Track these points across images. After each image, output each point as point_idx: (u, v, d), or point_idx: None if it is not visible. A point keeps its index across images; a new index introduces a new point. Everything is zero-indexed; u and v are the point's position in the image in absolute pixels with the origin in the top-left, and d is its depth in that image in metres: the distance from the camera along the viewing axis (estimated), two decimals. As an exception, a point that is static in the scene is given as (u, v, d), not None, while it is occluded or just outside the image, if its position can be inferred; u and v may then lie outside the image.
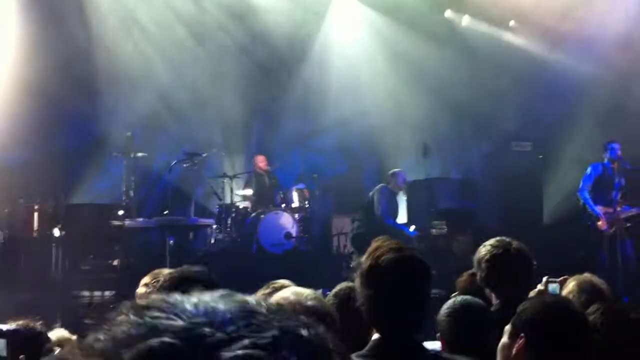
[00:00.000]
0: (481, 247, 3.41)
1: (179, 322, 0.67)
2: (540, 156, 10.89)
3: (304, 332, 0.71)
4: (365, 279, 2.22)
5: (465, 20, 12.06)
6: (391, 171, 9.72)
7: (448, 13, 12.16)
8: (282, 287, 2.68)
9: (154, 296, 0.72)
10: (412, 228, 9.66)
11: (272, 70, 12.23)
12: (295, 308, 2.10)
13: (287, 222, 10.26)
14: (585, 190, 8.73)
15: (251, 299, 0.73)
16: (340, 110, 12.90)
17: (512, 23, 11.70)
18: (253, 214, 10.33)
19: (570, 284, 3.39)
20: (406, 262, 2.20)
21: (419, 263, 2.25)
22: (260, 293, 2.80)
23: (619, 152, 8.54)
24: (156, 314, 0.68)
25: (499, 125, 11.35)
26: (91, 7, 10.96)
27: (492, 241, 3.38)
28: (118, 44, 11.08)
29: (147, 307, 0.69)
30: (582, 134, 10.27)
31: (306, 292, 2.27)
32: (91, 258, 9.67)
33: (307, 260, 10.07)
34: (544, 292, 3.65)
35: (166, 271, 3.24)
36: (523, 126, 11.14)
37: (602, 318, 2.51)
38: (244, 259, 9.80)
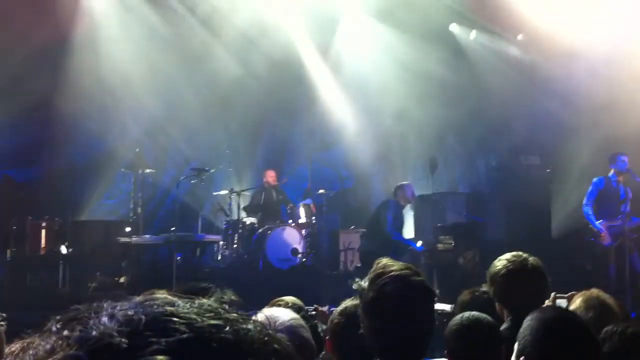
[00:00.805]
0: (496, 261, 3.31)
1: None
2: (549, 170, 10.85)
3: (225, 335, 0.71)
4: (369, 309, 2.17)
5: (472, 34, 12.09)
6: (399, 184, 9.66)
7: (453, 27, 12.18)
8: (287, 304, 2.67)
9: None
10: (419, 243, 9.61)
11: (280, 84, 12.25)
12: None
13: (294, 237, 10.24)
14: (589, 205, 8.68)
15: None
16: (347, 124, 12.92)
17: (520, 37, 11.70)
18: (260, 230, 10.32)
19: (577, 300, 3.34)
20: (411, 290, 2.14)
21: (423, 289, 2.19)
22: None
23: (628, 164, 8.48)
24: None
25: (506, 138, 11.33)
26: (100, 24, 11.06)
27: (508, 255, 3.29)
28: (126, 59, 11.13)
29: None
30: (590, 147, 10.23)
31: (281, 319, 2.20)
32: (98, 275, 9.68)
33: (314, 276, 10.03)
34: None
35: (161, 291, 3.21)
36: (531, 139, 11.11)
37: (618, 342, 2.48)
38: (251, 275, 9.78)
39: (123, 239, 9.85)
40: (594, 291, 3.37)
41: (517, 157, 11.07)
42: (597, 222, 8.56)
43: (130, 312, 0.71)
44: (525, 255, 3.28)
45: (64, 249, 9.52)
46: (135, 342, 0.67)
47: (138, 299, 0.76)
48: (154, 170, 10.78)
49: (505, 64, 11.72)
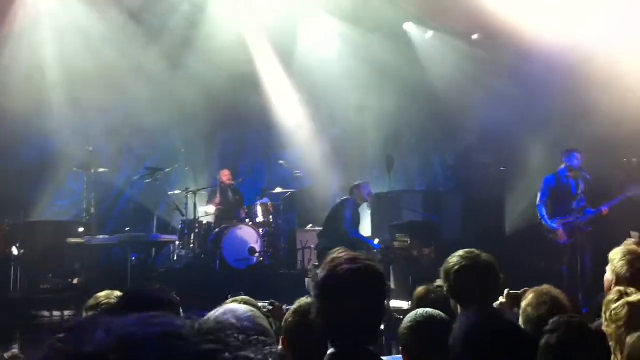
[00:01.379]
0: (450, 257, 3.38)
1: (88, 348, 0.66)
2: (503, 168, 11.02)
3: (226, 355, 0.69)
4: (321, 290, 2.21)
5: (428, 34, 12.19)
6: (356, 182, 9.70)
7: (408, 25, 12.27)
8: (240, 302, 2.66)
9: (78, 320, 0.72)
10: (376, 241, 9.67)
11: (236, 84, 12.17)
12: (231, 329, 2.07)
13: (251, 237, 10.20)
14: (542, 206, 8.79)
15: (179, 321, 0.72)
16: (304, 123, 12.93)
17: (475, 36, 11.85)
18: (216, 230, 10.25)
19: (530, 296, 3.42)
20: (361, 272, 2.19)
21: (374, 272, 2.24)
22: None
23: (580, 161, 8.61)
24: (73, 339, 0.68)
25: (461, 137, 11.48)
26: (50, 23, 10.82)
27: (461, 252, 3.37)
28: (77, 58, 10.91)
29: (71, 330, 0.69)
30: (543, 145, 10.42)
31: (240, 310, 2.22)
32: (51, 277, 9.48)
33: (271, 275, 10.01)
34: (506, 304, 3.68)
35: (103, 294, 3.17)
36: (485, 138, 11.27)
37: (566, 332, 2.54)
38: (207, 275, 9.70)
39: (76, 240, 9.66)
40: (546, 287, 3.44)
41: (472, 156, 11.22)
42: (551, 221, 8.68)
43: (130, 329, 0.69)
44: (478, 252, 3.34)
45: (15, 251, 9.30)
46: None
47: (138, 315, 0.73)
48: (107, 170, 10.60)
49: (460, 63, 11.86)
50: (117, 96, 11.60)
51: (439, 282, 3.70)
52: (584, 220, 8.52)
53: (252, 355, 0.73)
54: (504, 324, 2.68)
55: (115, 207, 11.80)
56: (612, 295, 3.23)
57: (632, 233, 5.29)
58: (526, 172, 10.60)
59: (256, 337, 0.83)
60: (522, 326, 3.30)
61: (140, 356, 0.65)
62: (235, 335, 0.74)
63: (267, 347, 0.76)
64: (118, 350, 0.65)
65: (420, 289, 3.87)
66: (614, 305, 3.09)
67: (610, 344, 3.01)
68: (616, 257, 3.95)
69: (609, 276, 3.97)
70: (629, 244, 4.83)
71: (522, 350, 2.31)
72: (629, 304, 3.07)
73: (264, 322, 2.27)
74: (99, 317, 0.72)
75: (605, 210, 8.43)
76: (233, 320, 2.04)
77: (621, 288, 3.29)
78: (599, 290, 4.40)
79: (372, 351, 2.23)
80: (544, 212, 8.75)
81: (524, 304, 3.38)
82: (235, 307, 2.26)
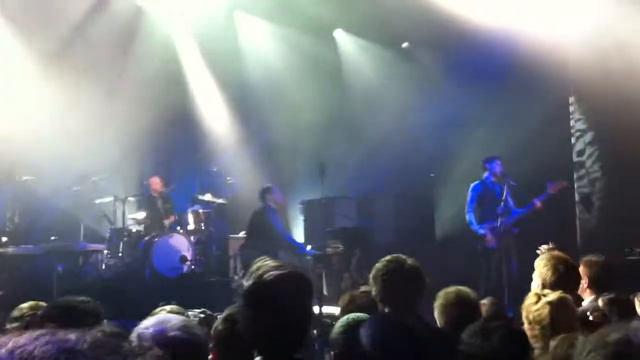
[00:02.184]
0: (377, 263, 3.53)
1: None
2: (432, 174, 11.24)
3: None
4: (248, 298, 2.20)
5: (354, 42, 12.30)
6: (265, 186, 9.75)
7: (337, 32, 12.38)
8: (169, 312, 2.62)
9: None
10: (308, 247, 9.70)
11: (167, 90, 12.01)
12: (157, 339, 2.05)
13: (182, 245, 10.06)
14: (471, 212, 9.03)
15: (73, 335, 0.73)
16: (236, 130, 12.87)
17: (405, 45, 12.05)
18: (146, 238, 10.06)
19: (448, 295, 3.58)
20: (288, 278, 2.19)
21: (300, 278, 2.25)
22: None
23: (501, 168, 8.89)
24: None
25: (392, 143, 11.64)
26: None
27: (387, 258, 3.52)
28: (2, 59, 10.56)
29: None
30: (472, 151, 10.67)
31: (173, 320, 2.20)
32: (-28, 288, 9.10)
33: (203, 283, 9.90)
34: None
35: (27, 305, 3.09)
36: (416, 144, 11.46)
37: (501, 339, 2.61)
38: (137, 284, 9.50)
39: (-1, 250, 9.32)
40: (458, 288, 3.61)
41: (402, 162, 11.41)
42: (479, 227, 8.91)
43: (28, 348, 0.69)
44: (403, 257, 3.50)
45: None
46: None
47: (34, 333, 0.72)
48: (32, 178, 10.27)
49: (389, 71, 12.05)
50: (41, 100, 11.25)
51: (363, 288, 3.80)
52: (510, 222, 8.77)
53: None
54: (421, 327, 2.74)
55: (42, 216, 11.42)
56: (530, 299, 3.37)
57: (543, 247, 5.54)
58: (455, 178, 10.85)
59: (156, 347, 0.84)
60: (441, 326, 3.43)
61: None
62: (135, 344, 0.74)
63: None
64: None
65: (345, 296, 3.96)
66: (534, 307, 3.22)
67: (537, 345, 3.12)
68: (541, 263, 4.12)
69: (535, 283, 4.13)
70: (544, 251, 5.06)
71: (434, 352, 2.39)
72: (550, 303, 3.21)
73: (199, 331, 2.26)
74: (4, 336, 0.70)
75: (538, 203, 8.68)
76: (143, 331, 2.02)
77: (538, 291, 3.44)
78: (525, 294, 4.56)
79: (300, 358, 2.23)
80: (473, 218, 8.98)
81: (436, 303, 3.54)
82: (168, 317, 2.24)
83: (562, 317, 3.21)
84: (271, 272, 2.16)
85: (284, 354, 2.18)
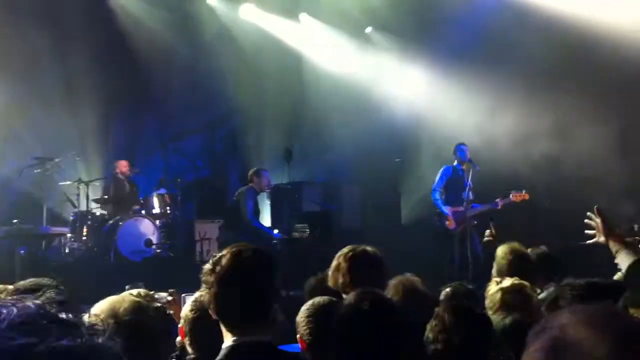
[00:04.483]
0: (339, 253, 3.61)
1: None
2: (398, 159, 11.31)
3: (41, 348, 0.66)
4: (214, 280, 2.25)
5: (318, 27, 12.27)
6: (255, 169, 9.55)
7: (302, 16, 12.33)
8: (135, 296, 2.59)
9: None
10: (275, 231, 9.70)
11: (132, 71, 11.84)
12: (108, 322, 2.03)
13: (148, 228, 9.98)
14: (437, 191, 9.26)
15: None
16: (202, 113, 12.77)
17: (368, 29, 12.06)
18: (111, 221, 9.95)
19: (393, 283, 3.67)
20: (252, 257, 2.27)
21: (263, 256, 2.32)
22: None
23: (468, 154, 9.14)
24: None
25: (356, 128, 11.67)
26: None
27: (348, 247, 3.62)
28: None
29: None
30: (436, 137, 10.77)
31: (126, 304, 2.20)
32: None
33: (169, 267, 9.82)
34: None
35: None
36: (381, 129, 11.52)
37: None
38: (101, 268, 9.42)
39: (-42, 233, 9.14)
40: (406, 275, 3.70)
41: (368, 147, 11.46)
42: (444, 207, 9.14)
43: None
44: (363, 246, 3.61)
45: None
46: None
47: None
48: (-8, 160, 10.08)
49: (353, 55, 12.05)
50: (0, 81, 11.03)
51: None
52: (472, 212, 8.99)
53: (72, 344, 0.69)
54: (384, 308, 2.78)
55: (2, 198, 11.21)
56: (491, 287, 3.51)
57: (486, 233, 5.70)
58: (420, 163, 10.96)
59: (87, 323, 0.76)
60: None
61: None
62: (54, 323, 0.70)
63: (99, 332, 0.73)
64: None
65: (310, 280, 3.98)
66: (490, 293, 3.37)
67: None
68: (499, 254, 4.31)
69: (494, 272, 4.30)
70: (487, 236, 5.28)
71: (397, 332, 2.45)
72: (502, 289, 3.34)
73: (151, 313, 2.24)
74: None
75: (500, 204, 8.96)
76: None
77: (498, 279, 3.56)
78: (489, 276, 4.67)
79: (269, 342, 2.26)
80: (438, 196, 9.22)
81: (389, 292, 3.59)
82: (119, 302, 2.21)
83: (516, 302, 3.34)
84: (234, 252, 2.22)
85: (251, 334, 2.20)
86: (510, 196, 8.99)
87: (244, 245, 2.30)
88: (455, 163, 9.30)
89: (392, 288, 3.55)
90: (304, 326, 2.90)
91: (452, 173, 9.27)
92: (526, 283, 3.53)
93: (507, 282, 3.46)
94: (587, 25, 9.33)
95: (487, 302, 3.44)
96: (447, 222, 9.07)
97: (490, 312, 3.34)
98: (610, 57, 9.02)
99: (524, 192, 9.06)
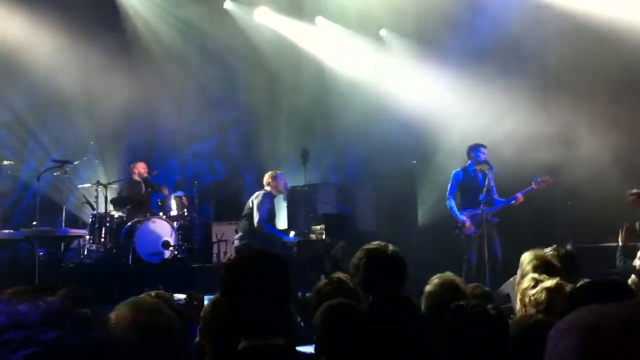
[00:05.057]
0: (359, 251, 3.48)
1: None
2: (413, 161, 11.28)
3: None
4: (223, 284, 2.29)
5: (334, 29, 12.26)
6: (271, 173, 9.48)
7: (318, 19, 12.33)
8: (153, 297, 2.63)
9: None
10: (291, 234, 9.70)
11: (148, 72, 11.92)
12: (127, 321, 2.07)
13: (165, 230, 10.03)
14: (451, 198, 9.10)
15: (24, 306, 0.73)
16: (218, 115, 12.82)
17: (383, 32, 12.04)
18: (129, 223, 10.02)
19: (434, 281, 3.62)
20: (261, 260, 2.29)
21: (273, 258, 2.33)
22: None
23: (486, 155, 8.97)
24: None
25: (373, 131, 11.66)
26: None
27: (369, 245, 3.48)
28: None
29: None
30: (454, 138, 10.72)
31: (145, 304, 2.23)
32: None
33: (186, 269, 9.89)
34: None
35: (9, 291, 3.06)
36: (397, 131, 11.48)
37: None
38: (119, 270, 9.49)
39: (-21, 236, 9.25)
40: (448, 274, 3.65)
41: (384, 149, 11.45)
42: (459, 213, 8.99)
43: None
44: (384, 244, 3.47)
45: None
46: None
47: None
48: (11, 162, 10.19)
49: (368, 58, 12.04)
50: (21, 85, 11.16)
51: (337, 274, 3.81)
52: (491, 211, 8.88)
53: (98, 336, 0.73)
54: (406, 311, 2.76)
55: (21, 201, 11.35)
56: (526, 283, 3.45)
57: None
58: (436, 165, 10.91)
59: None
60: (424, 311, 3.46)
61: None
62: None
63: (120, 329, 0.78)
64: None
65: (320, 283, 3.95)
66: (532, 292, 3.29)
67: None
68: (525, 260, 4.26)
69: (518, 278, 4.25)
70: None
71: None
72: (546, 289, 3.28)
73: (168, 312, 2.27)
74: None
75: (520, 197, 8.82)
76: None
77: (535, 275, 3.51)
78: (508, 278, 4.67)
79: (280, 345, 2.27)
80: (453, 204, 9.05)
81: (426, 289, 3.56)
82: (136, 300, 2.26)
83: (558, 302, 3.28)
84: (243, 256, 2.24)
85: (264, 337, 2.22)
86: (533, 184, 8.78)
87: (254, 250, 2.32)
88: (467, 164, 9.12)
89: (435, 286, 3.51)
90: (320, 327, 2.92)
91: (463, 176, 9.08)
92: (565, 283, 3.47)
93: (550, 282, 3.39)
94: (601, 25, 9.27)
95: (522, 299, 3.36)
96: (465, 228, 8.93)
97: (527, 310, 3.30)
98: (626, 57, 8.98)
99: (547, 177, 8.86)
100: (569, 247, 4.93)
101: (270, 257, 2.31)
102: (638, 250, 4.84)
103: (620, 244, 5.49)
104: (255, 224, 9.00)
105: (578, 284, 3.42)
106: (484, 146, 9.04)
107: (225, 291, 2.27)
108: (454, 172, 9.17)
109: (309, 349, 2.93)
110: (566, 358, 0.94)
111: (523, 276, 4.14)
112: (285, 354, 2.27)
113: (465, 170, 9.08)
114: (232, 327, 2.29)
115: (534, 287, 3.36)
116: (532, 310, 3.27)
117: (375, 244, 3.49)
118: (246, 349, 2.22)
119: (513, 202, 8.84)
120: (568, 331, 0.96)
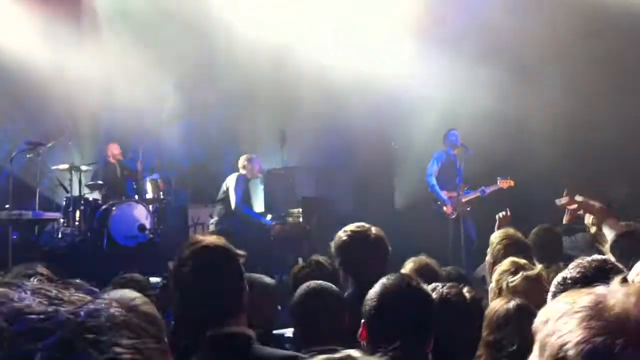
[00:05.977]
0: (340, 232, 3.44)
1: None
2: (394, 144, 11.27)
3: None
4: (173, 279, 2.37)
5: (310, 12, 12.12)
6: (246, 157, 9.53)
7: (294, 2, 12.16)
8: (130, 281, 2.59)
9: None
10: (268, 217, 9.68)
11: (123, 54, 11.74)
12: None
13: (141, 213, 9.94)
14: (433, 176, 9.25)
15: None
16: (196, 96, 12.67)
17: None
18: (104, 206, 9.91)
19: (408, 266, 3.60)
20: (209, 251, 2.30)
21: (220, 250, 2.33)
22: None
23: (460, 139, 9.14)
24: None
25: (352, 113, 11.60)
26: None
27: (351, 227, 3.43)
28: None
29: None
30: (429, 122, 10.73)
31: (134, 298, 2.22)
32: None
33: (162, 252, 9.80)
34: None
35: None
36: (376, 114, 11.45)
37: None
38: (94, 253, 9.40)
39: (-50, 219, 9.09)
40: (422, 257, 3.64)
41: (362, 132, 11.42)
42: (441, 193, 9.14)
43: None
44: (367, 225, 3.41)
45: None
46: None
47: None
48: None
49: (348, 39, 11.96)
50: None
51: (315, 257, 3.78)
52: (465, 197, 9.07)
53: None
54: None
55: (-7, 183, 11.16)
56: (505, 266, 3.32)
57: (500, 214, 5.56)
58: (415, 148, 10.91)
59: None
60: None
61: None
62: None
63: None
64: None
65: (297, 266, 3.93)
66: (511, 278, 3.19)
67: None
68: (494, 240, 4.22)
69: (489, 258, 4.22)
70: (501, 217, 5.22)
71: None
72: (527, 277, 3.18)
73: (151, 310, 2.24)
74: None
75: (487, 191, 9.05)
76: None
77: (514, 259, 3.40)
78: (483, 259, 4.68)
79: (243, 333, 2.27)
80: (434, 182, 9.20)
81: (403, 271, 3.53)
82: (128, 296, 2.23)
83: (537, 292, 3.22)
84: (191, 248, 2.25)
85: (226, 323, 2.21)
86: (498, 182, 9.04)
87: (202, 242, 2.33)
88: (447, 148, 9.29)
89: (410, 271, 3.47)
90: (299, 310, 2.89)
91: (445, 158, 9.28)
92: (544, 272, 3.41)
93: (533, 271, 3.28)
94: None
95: (503, 285, 3.26)
96: (444, 208, 9.06)
97: (504, 294, 3.24)
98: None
99: (508, 178, 9.12)
100: (557, 227, 4.93)
101: (219, 250, 2.33)
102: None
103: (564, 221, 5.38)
104: (233, 206, 8.99)
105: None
106: (455, 129, 9.35)
107: (176, 289, 2.33)
108: (435, 152, 9.32)
109: (288, 332, 2.91)
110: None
111: (494, 256, 4.10)
112: (247, 342, 2.26)
113: (447, 153, 9.29)
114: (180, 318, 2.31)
115: (513, 272, 3.28)
116: (508, 296, 3.22)
117: (358, 225, 3.44)
118: (209, 337, 2.23)
119: (481, 194, 9.05)
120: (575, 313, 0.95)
